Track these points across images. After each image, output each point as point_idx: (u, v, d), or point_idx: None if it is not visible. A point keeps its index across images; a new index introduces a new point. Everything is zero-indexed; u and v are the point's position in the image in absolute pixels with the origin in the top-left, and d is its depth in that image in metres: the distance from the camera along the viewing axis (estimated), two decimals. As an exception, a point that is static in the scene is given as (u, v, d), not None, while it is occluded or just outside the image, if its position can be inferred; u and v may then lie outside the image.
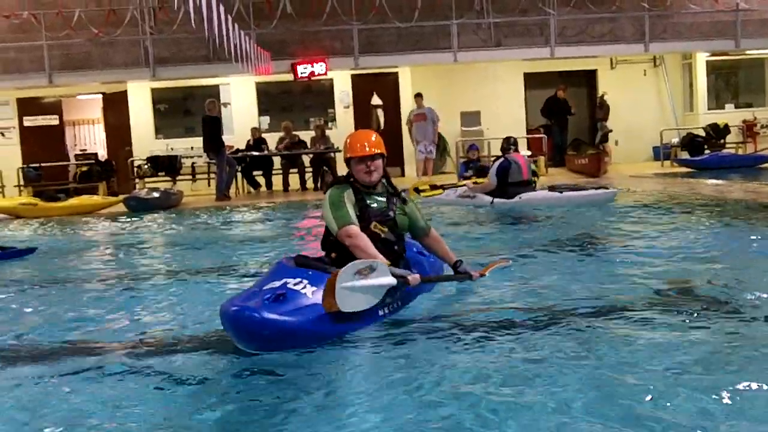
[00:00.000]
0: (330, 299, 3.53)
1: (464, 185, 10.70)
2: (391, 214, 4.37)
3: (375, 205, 4.32)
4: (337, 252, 4.17)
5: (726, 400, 2.67)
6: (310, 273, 3.72)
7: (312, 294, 3.53)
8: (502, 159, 10.04)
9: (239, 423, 2.76)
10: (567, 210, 9.00)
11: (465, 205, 10.10)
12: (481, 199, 10.00)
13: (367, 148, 4.30)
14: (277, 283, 3.57)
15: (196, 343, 3.88)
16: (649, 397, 2.71)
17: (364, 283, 3.67)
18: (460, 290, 4.73)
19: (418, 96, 15.68)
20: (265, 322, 3.32)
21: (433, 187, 11.09)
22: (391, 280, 3.84)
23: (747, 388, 2.77)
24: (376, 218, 4.27)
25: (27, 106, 16.90)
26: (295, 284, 3.55)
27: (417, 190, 10.54)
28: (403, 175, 16.54)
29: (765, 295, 4.15)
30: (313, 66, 15.45)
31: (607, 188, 10.25)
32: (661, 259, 5.49)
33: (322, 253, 4.38)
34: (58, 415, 2.90)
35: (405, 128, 16.45)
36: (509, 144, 10.18)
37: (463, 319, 3.99)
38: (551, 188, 10.16)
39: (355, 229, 4.11)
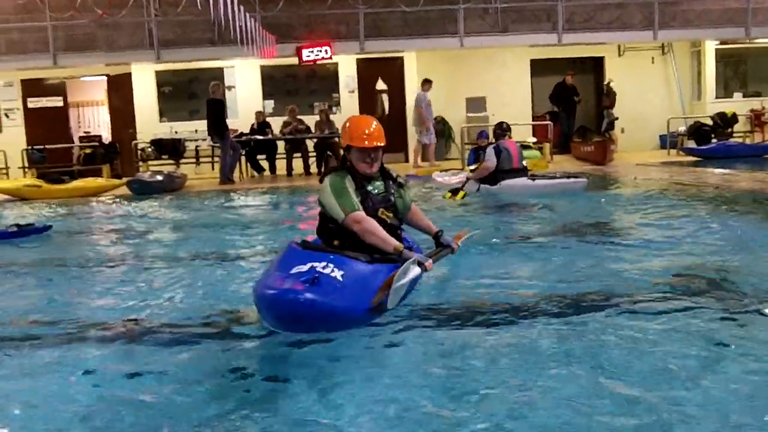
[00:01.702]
0: (381, 296, 3.57)
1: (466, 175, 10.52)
2: (392, 198, 4.34)
3: (375, 191, 4.27)
4: (340, 239, 4.09)
5: (732, 387, 2.64)
6: (332, 257, 3.65)
7: (341, 278, 3.49)
8: (494, 145, 9.90)
9: (236, 406, 2.73)
10: (561, 198, 8.88)
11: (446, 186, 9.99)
12: (469, 185, 9.77)
13: (370, 141, 4.19)
14: (304, 267, 3.50)
15: (194, 326, 3.86)
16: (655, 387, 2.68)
17: (407, 279, 3.72)
18: (455, 276, 4.72)
19: (428, 81, 15.46)
20: (312, 305, 3.30)
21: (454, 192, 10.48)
22: (418, 270, 3.88)
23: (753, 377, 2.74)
24: (380, 204, 4.23)
25: (31, 88, 16.86)
26: (323, 268, 3.50)
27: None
28: (407, 161, 16.47)
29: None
30: (319, 50, 15.36)
31: (577, 177, 10.15)
32: (664, 249, 5.44)
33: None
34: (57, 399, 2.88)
35: (409, 114, 16.33)
36: (502, 130, 10.06)
37: (464, 306, 3.97)
38: (532, 177, 10.00)
39: (362, 214, 4.05)
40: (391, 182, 4.40)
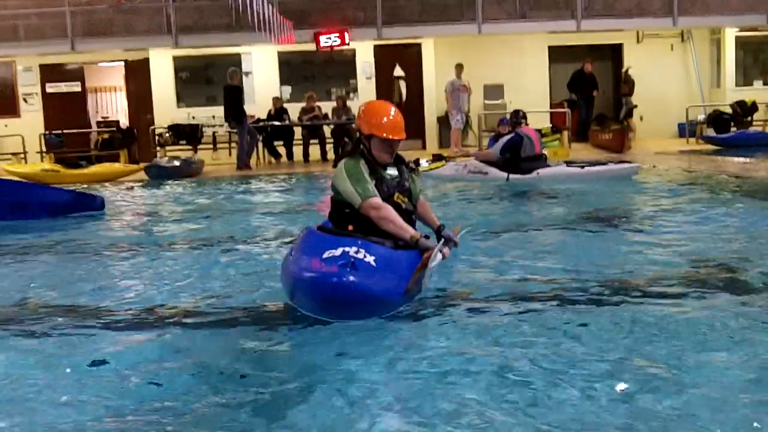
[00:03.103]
0: (415, 280, 3.60)
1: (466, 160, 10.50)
2: (407, 183, 4.30)
3: (389, 176, 4.22)
4: (355, 224, 4.02)
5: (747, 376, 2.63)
6: (359, 242, 3.59)
7: (374, 262, 3.45)
8: (512, 134, 9.83)
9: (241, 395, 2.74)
10: (585, 186, 8.87)
11: (477, 180, 9.83)
12: (495, 174, 9.75)
13: (395, 134, 4.12)
14: (336, 252, 3.45)
15: (209, 312, 3.88)
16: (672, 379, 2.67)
17: (435, 264, 3.77)
18: (465, 266, 4.72)
19: (460, 66, 15.40)
20: (355, 288, 3.28)
21: (436, 157, 10.85)
22: (440, 257, 3.89)
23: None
24: (395, 189, 4.19)
25: (49, 73, 16.94)
26: (355, 252, 3.45)
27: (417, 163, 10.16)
28: (424, 147, 16.43)
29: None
30: (337, 36, 15.31)
31: (630, 162, 10.12)
32: (680, 238, 5.43)
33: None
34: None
35: (426, 100, 16.30)
36: (518, 118, 10.01)
37: (472, 296, 3.97)
38: (568, 163, 10.01)
39: (379, 200, 4.00)
40: (404, 167, 4.36)
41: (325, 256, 3.44)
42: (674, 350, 2.96)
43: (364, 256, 3.43)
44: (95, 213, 8.17)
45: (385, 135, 4.10)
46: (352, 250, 3.45)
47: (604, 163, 10.15)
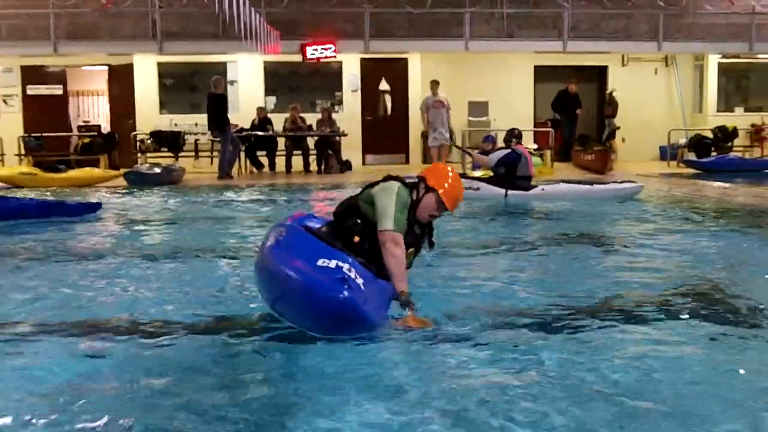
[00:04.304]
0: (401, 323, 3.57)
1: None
2: (421, 246, 4.17)
3: (416, 230, 4.08)
4: (362, 238, 3.86)
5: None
6: (350, 260, 3.46)
7: (363, 286, 3.32)
8: (509, 150, 9.80)
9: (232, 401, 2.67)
10: (569, 207, 8.87)
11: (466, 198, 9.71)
12: (489, 190, 9.63)
13: (450, 209, 4.08)
14: (330, 263, 3.32)
15: (185, 322, 3.80)
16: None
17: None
18: (443, 282, 4.66)
19: (435, 83, 15.41)
20: (347, 305, 3.19)
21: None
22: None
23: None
24: (412, 245, 4.01)
25: (31, 75, 16.76)
26: (348, 270, 3.32)
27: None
28: (407, 162, 16.41)
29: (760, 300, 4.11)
30: (324, 48, 15.29)
31: (633, 182, 10.21)
32: (661, 261, 5.42)
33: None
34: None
35: (411, 115, 16.30)
36: (513, 136, 9.99)
37: (462, 317, 3.91)
38: (569, 182, 10.11)
39: (401, 239, 3.84)
40: (427, 234, 4.22)
41: (319, 263, 3.33)
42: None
43: (356, 277, 3.32)
44: (71, 219, 8.02)
45: (446, 205, 4.03)
46: (345, 267, 3.33)
47: (605, 183, 10.28)
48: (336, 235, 3.90)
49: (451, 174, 4.15)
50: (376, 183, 4.04)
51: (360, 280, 3.33)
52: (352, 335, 3.36)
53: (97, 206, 8.64)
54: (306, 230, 3.84)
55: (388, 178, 4.08)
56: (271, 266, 3.49)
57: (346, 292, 3.18)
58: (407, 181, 4.10)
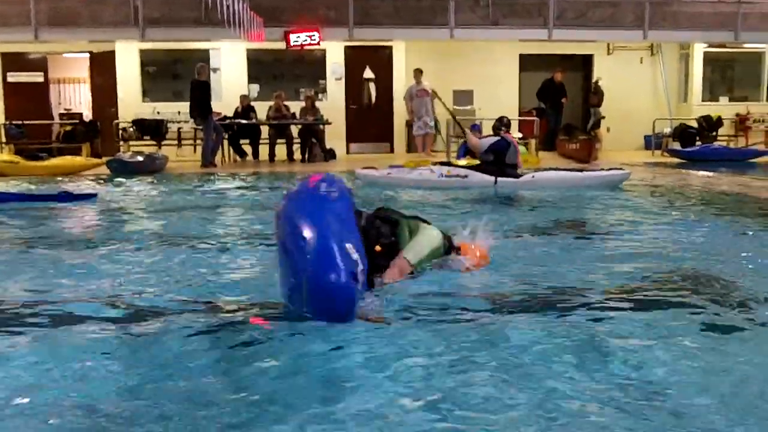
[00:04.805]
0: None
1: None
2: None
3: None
4: (383, 252, 3.87)
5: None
6: (366, 263, 3.42)
7: (360, 286, 3.33)
8: (498, 138, 9.74)
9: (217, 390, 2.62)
10: (550, 195, 8.83)
11: (453, 187, 9.39)
12: (476, 178, 9.50)
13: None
14: (354, 252, 3.28)
15: (173, 309, 3.73)
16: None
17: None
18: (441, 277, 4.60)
19: (419, 71, 15.33)
20: (350, 299, 3.23)
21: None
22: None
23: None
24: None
25: (11, 62, 16.58)
26: (360, 271, 3.30)
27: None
28: (392, 151, 16.35)
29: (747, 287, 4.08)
30: (308, 35, 15.18)
31: (621, 169, 10.24)
32: (640, 250, 5.38)
33: None
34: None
35: (396, 104, 16.24)
36: (502, 124, 9.93)
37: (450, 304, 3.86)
38: (579, 169, 10.19)
39: (407, 273, 3.96)
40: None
41: (347, 247, 3.28)
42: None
43: (361, 280, 3.31)
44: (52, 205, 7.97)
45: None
46: (359, 268, 3.29)
47: (594, 170, 10.32)
48: (366, 233, 3.84)
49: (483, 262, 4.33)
50: (428, 222, 4.22)
51: (359, 284, 3.32)
52: (319, 319, 3.31)
53: (93, 196, 8.84)
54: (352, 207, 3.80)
55: (443, 233, 4.21)
56: (305, 219, 3.41)
57: (350, 288, 3.19)
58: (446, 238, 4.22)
